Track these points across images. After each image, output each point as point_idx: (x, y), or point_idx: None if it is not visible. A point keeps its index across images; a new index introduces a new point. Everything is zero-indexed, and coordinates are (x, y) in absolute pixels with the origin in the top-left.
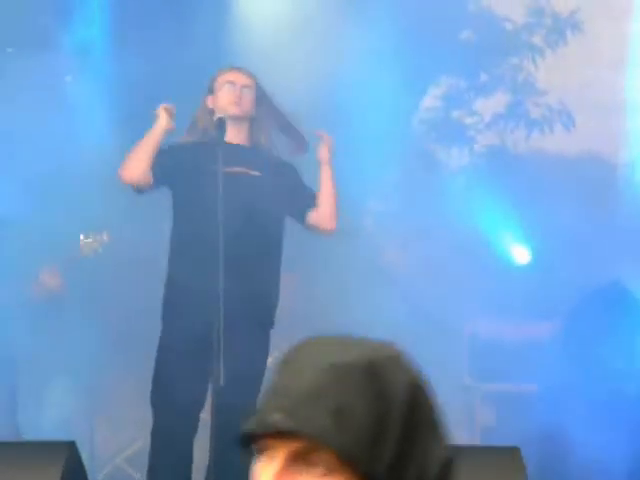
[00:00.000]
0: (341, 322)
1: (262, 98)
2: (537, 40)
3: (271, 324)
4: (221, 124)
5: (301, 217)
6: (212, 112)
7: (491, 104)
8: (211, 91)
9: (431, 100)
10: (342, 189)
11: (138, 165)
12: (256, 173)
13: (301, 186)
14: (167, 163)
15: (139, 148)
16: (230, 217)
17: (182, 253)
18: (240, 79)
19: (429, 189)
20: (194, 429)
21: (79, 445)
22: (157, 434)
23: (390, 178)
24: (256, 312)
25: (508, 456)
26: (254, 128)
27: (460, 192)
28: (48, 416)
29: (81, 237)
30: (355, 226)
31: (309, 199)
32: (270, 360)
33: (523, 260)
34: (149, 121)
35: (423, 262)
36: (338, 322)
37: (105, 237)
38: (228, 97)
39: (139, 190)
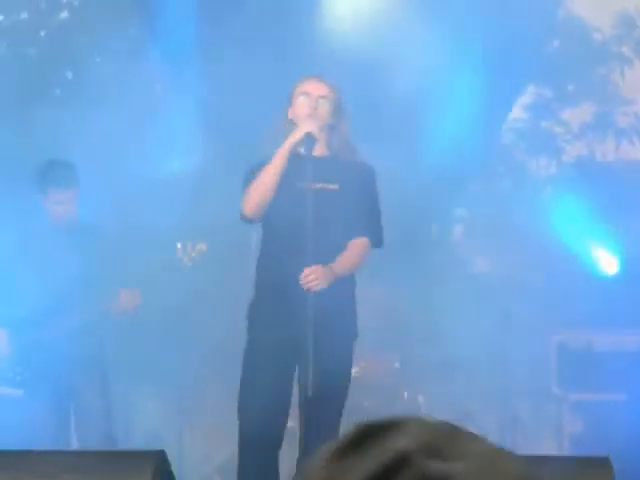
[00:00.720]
0: (430, 331)
1: (339, 107)
2: (626, 51)
3: (355, 335)
4: (309, 140)
5: (349, 237)
6: (292, 124)
7: (579, 114)
8: (291, 102)
9: (519, 110)
10: (430, 198)
11: (264, 201)
12: (334, 187)
13: (365, 207)
14: None
15: (266, 180)
16: (314, 233)
17: (270, 267)
18: (316, 89)
19: (518, 198)
20: (280, 438)
21: (168, 454)
22: (244, 443)
23: (478, 187)
24: (341, 323)
25: (598, 466)
26: (332, 136)
27: (549, 202)
28: (138, 426)
29: (178, 245)
30: (443, 234)
31: (362, 226)
32: (354, 371)
33: (612, 270)
34: (237, 131)
35: (512, 271)
36: (426, 331)
37: (203, 247)
38: (303, 109)
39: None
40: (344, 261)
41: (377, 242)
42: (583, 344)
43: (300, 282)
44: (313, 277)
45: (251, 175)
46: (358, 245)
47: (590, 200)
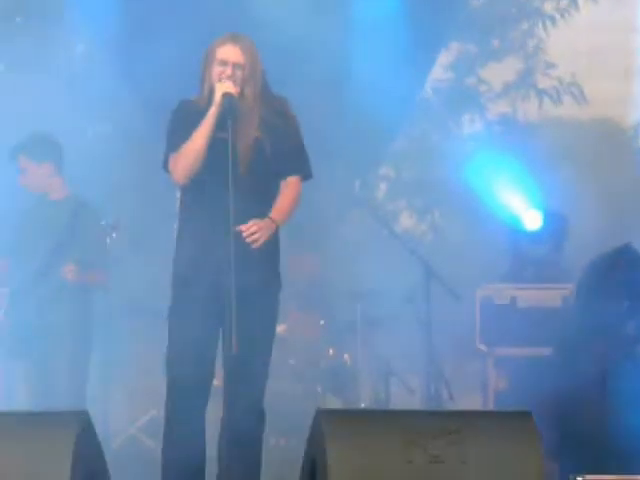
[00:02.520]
0: (359, 286)
1: (256, 65)
2: (548, 7)
3: (279, 287)
4: (230, 101)
5: (280, 179)
6: (211, 82)
7: (501, 72)
8: (209, 60)
9: (442, 67)
10: (355, 156)
11: (195, 168)
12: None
13: (289, 144)
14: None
15: (196, 147)
16: (237, 183)
17: (194, 218)
18: (232, 56)
19: (441, 155)
20: (207, 393)
21: (93, 415)
22: (170, 402)
23: (402, 144)
24: (265, 275)
25: (520, 420)
26: (249, 88)
27: (472, 158)
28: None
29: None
30: (367, 191)
31: (290, 165)
32: (280, 329)
33: (534, 225)
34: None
35: (435, 228)
36: (356, 286)
37: None
38: (220, 76)
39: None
40: (281, 207)
41: (307, 175)
42: (507, 299)
43: (243, 235)
44: (255, 229)
45: (176, 137)
46: (290, 185)
47: (513, 156)
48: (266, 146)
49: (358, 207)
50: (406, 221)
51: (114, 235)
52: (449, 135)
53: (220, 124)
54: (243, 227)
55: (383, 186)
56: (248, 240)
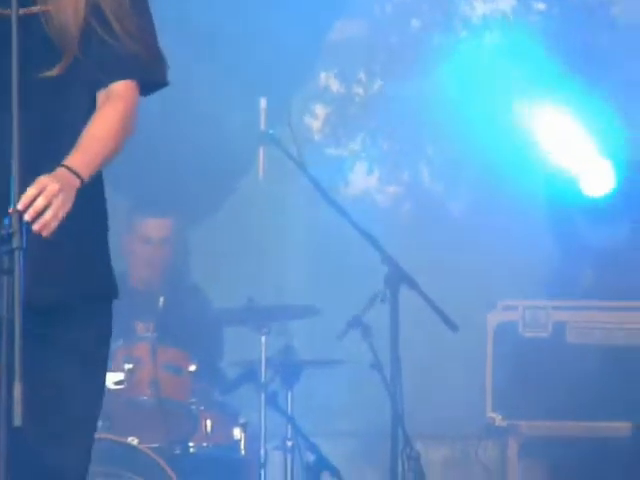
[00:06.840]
0: (265, 300)
1: None
2: None
3: (109, 297)
4: None
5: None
6: None
7: None
8: None
9: None
10: (264, 52)
11: None
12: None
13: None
14: None
15: None
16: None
17: None
18: None
19: (430, 56)
20: None
21: None
22: None
23: (355, 33)
24: (82, 278)
25: None
26: None
27: (484, 61)
28: None
29: None
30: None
31: (125, 59)
32: (117, 376)
33: (603, 190)
34: None
35: (418, 192)
36: (261, 300)
37: None
38: None
39: None
40: (88, 145)
41: (152, 79)
42: (547, 329)
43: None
44: (42, 202)
45: None
46: (114, 100)
47: (559, 48)
48: (94, 35)
49: (267, 150)
50: (360, 178)
51: None
52: (446, 21)
53: None
54: (23, 199)
55: (320, 111)
56: (35, 228)
